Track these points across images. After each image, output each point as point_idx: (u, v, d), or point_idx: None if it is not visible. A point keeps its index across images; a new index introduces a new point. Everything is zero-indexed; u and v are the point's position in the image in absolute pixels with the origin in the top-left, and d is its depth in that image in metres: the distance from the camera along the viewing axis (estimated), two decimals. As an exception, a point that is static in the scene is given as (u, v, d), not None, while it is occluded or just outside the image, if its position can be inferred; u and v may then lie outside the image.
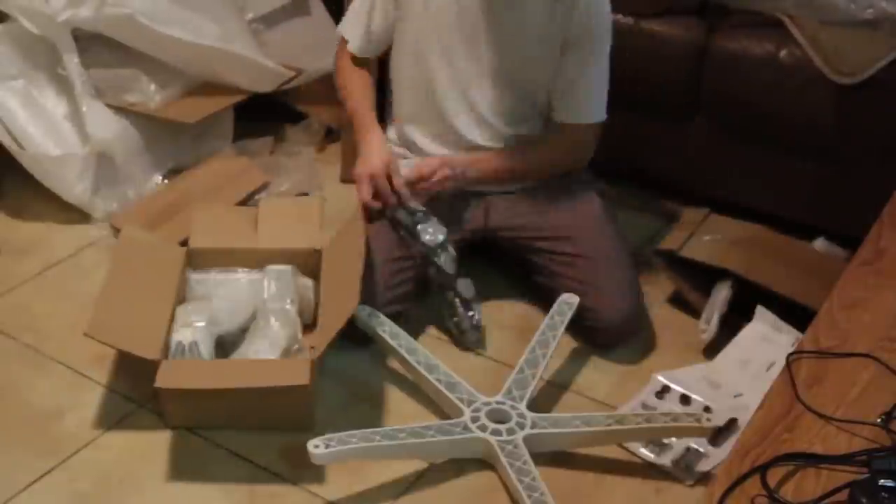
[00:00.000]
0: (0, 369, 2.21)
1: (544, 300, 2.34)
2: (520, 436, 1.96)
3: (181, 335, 2.09)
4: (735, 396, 2.14)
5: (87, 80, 2.66)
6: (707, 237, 2.46)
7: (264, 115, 3.00)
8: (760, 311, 2.28)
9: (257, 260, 2.31)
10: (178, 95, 2.81)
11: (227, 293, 2.25)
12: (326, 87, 3.03)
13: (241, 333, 2.19)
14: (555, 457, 2.03)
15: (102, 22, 2.63)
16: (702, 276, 2.40)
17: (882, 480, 1.25)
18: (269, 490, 1.96)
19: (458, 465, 2.00)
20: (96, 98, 2.68)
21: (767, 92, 2.54)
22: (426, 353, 2.14)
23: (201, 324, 2.11)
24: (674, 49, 2.63)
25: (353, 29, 2.38)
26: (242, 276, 2.30)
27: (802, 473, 1.34)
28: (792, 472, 1.33)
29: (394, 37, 2.35)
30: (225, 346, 2.18)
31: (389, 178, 2.22)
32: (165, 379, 1.95)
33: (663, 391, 2.16)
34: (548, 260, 2.32)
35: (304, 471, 1.99)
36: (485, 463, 2.00)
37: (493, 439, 1.95)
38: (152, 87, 2.75)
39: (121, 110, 2.72)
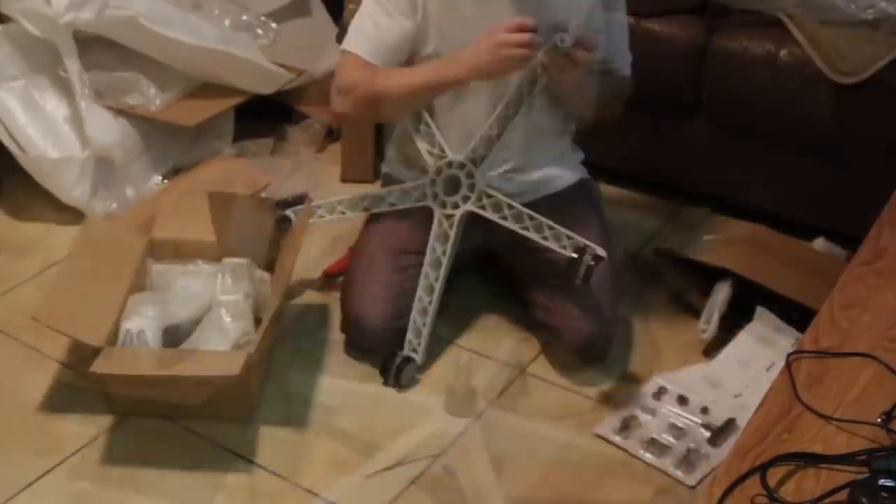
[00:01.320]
0: (0, 369, 2.21)
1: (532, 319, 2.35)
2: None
3: (130, 324, 2.10)
4: (735, 396, 2.14)
5: (87, 83, 2.66)
6: (707, 237, 2.46)
7: (264, 115, 3.00)
8: (760, 311, 2.28)
9: (219, 252, 2.32)
10: (178, 98, 2.81)
11: (184, 284, 2.27)
12: (326, 88, 3.04)
13: (195, 325, 2.19)
14: (555, 457, 2.03)
15: (104, 24, 2.63)
16: (702, 276, 2.40)
17: (882, 480, 1.25)
18: (269, 489, 1.97)
19: (452, 467, 2.00)
20: (96, 101, 2.68)
21: (767, 91, 2.54)
22: None
23: (150, 313, 2.12)
24: (674, 49, 2.63)
25: (362, 40, 2.14)
26: (202, 268, 2.31)
27: (802, 473, 1.34)
28: (792, 472, 1.33)
29: (416, 48, 2.16)
30: (179, 336, 2.17)
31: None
32: (103, 365, 1.98)
33: (660, 392, 2.16)
34: (529, 274, 2.29)
35: (304, 470, 2.00)
36: (479, 467, 2.00)
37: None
38: (152, 90, 2.74)
39: (121, 113, 2.72)
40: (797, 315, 2.22)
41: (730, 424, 2.07)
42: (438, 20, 2.14)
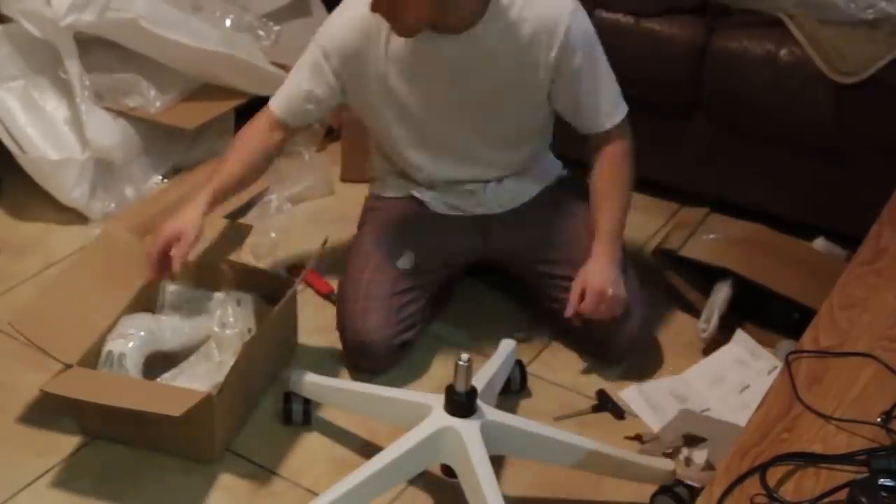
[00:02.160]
0: (0, 369, 2.21)
1: (547, 322, 2.35)
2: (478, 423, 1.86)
3: (113, 345, 2.04)
4: (702, 411, 2.14)
5: (87, 85, 2.65)
6: (707, 236, 2.46)
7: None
8: (740, 334, 2.29)
9: (237, 280, 2.23)
10: (178, 100, 2.80)
11: (190, 309, 2.18)
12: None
13: (191, 353, 2.14)
14: (555, 456, 2.04)
15: (105, 27, 2.63)
16: (702, 276, 2.40)
17: (882, 480, 1.25)
18: (269, 489, 1.97)
19: (451, 467, 1.99)
20: (96, 103, 2.68)
21: (767, 91, 2.54)
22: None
23: (137, 337, 2.05)
24: (674, 48, 2.63)
25: (280, 93, 2.22)
26: (214, 294, 2.21)
27: (802, 473, 1.33)
28: (791, 472, 1.33)
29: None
30: (176, 363, 2.11)
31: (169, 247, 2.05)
32: (53, 385, 1.94)
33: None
34: (548, 283, 2.28)
35: (304, 470, 2.00)
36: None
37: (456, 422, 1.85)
38: (152, 92, 2.74)
39: (121, 114, 2.72)
40: (797, 315, 2.22)
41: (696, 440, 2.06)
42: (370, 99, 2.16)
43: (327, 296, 2.45)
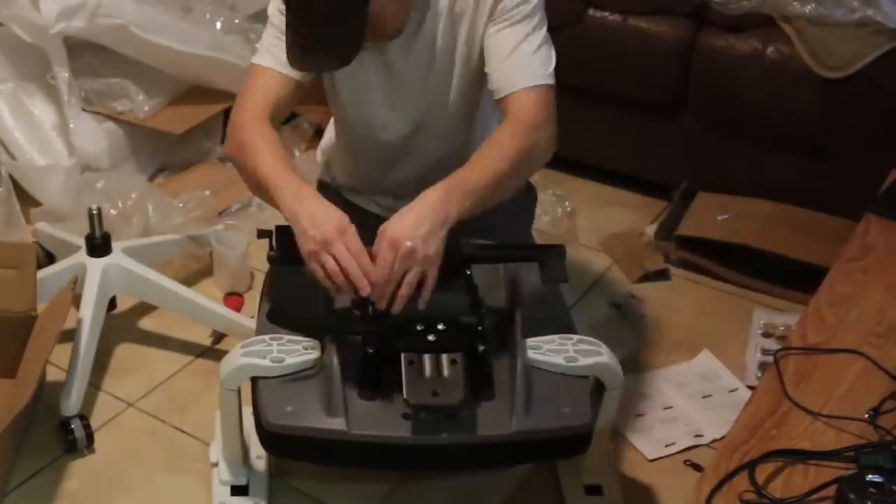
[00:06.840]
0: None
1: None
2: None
3: None
4: (665, 408, 2.16)
5: (75, 92, 2.65)
6: (721, 216, 2.51)
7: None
8: (705, 353, 2.30)
9: None
10: (166, 103, 2.80)
11: None
12: (316, 87, 3.02)
13: None
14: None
15: (95, 32, 2.62)
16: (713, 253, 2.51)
17: (870, 476, 1.25)
18: (268, 489, 1.96)
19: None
20: (84, 110, 2.68)
21: (754, 88, 2.54)
22: None
23: None
24: (661, 46, 2.63)
25: (277, 52, 1.80)
26: None
27: (790, 470, 1.34)
28: (780, 469, 1.34)
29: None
30: None
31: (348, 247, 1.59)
32: None
33: None
34: None
35: (294, 470, 2.00)
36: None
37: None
38: (141, 96, 2.73)
39: (108, 119, 2.72)
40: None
41: None
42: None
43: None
